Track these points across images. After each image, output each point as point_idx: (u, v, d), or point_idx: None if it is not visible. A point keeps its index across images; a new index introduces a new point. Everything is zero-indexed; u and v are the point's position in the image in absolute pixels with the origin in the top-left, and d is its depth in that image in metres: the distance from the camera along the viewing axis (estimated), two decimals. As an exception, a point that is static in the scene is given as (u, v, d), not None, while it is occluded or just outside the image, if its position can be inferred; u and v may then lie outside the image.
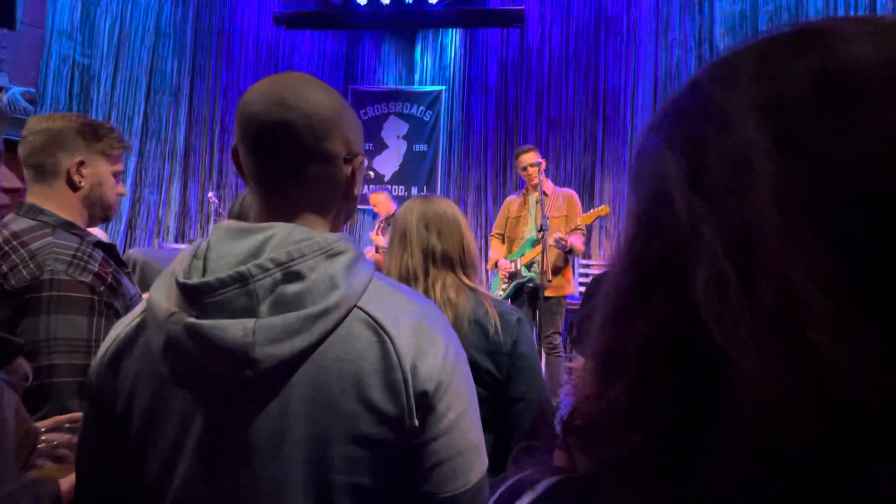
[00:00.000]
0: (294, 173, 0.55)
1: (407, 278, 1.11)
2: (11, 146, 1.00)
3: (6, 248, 0.92)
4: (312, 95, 0.54)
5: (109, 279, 0.97)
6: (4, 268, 0.90)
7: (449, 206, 1.19)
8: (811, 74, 0.22)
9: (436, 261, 1.12)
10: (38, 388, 0.88)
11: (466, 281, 1.14)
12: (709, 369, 0.22)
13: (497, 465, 1.17)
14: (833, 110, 0.21)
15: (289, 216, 0.56)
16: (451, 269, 1.13)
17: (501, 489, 0.30)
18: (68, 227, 1.00)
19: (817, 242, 0.20)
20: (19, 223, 0.96)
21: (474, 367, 1.05)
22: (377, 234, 3.92)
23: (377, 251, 3.76)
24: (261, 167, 0.56)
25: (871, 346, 0.19)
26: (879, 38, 0.22)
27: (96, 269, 0.95)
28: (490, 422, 1.08)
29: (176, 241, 5.07)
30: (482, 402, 1.06)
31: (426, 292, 1.09)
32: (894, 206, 0.19)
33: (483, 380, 1.06)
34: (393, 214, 3.74)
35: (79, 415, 0.73)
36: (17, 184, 0.71)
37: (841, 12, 2.82)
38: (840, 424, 0.18)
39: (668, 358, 0.23)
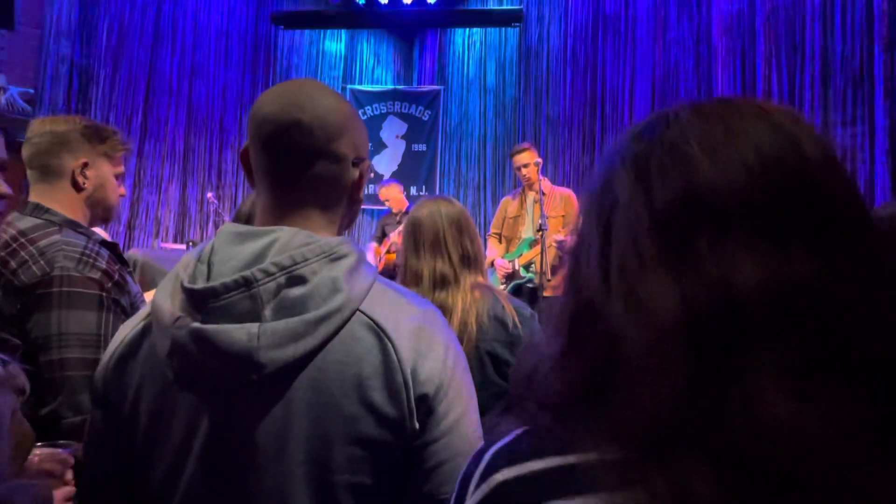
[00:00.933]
0: (304, 171, 0.56)
1: (442, 283, 1.11)
2: (7, 146, 1.00)
3: (14, 245, 0.94)
4: (325, 100, 0.57)
5: (116, 276, 0.98)
6: (13, 264, 0.92)
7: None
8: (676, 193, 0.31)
9: (469, 263, 1.14)
10: (50, 382, 0.89)
11: (482, 279, 1.17)
12: (606, 340, 0.30)
13: None
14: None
15: (295, 215, 0.57)
16: (477, 269, 1.16)
17: (477, 449, 0.36)
18: (74, 225, 1.01)
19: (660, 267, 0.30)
20: (25, 222, 0.98)
21: (497, 360, 1.09)
22: (399, 235, 3.57)
23: (389, 251, 3.38)
24: (272, 165, 0.57)
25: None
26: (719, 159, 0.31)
27: (104, 267, 0.97)
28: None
29: (175, 241, 5.07)
30: (499, 396, 1.09)
31: (462, 294, 1.10)
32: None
33: (505, 373, 1.09)
34: (406, 211, 3.43)
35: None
36: (5, 189, 0.72)
37: (837, 12, 2.83)
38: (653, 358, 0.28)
39: (583, 325, 0.32)
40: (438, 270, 1.11)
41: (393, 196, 3.72)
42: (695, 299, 0.27)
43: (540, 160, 2.89)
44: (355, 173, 0.59)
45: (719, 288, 0.27)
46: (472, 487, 0.33)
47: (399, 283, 1.13)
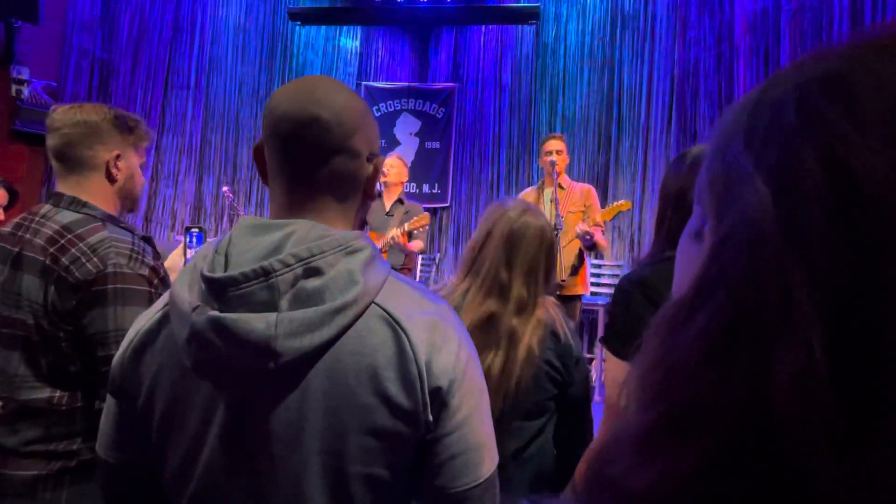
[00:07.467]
0: (322, 167, 0.57)
1: (523, 309, 1.06)
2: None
3: (61, 241, 0.95)
4: (341, 96, 0.57)
5: (161, 272, 1.01)
6: (65, 261, 0.93)
7: (529, 219, 1.09)
8: None
9: (526, 307, 1.07)
10: (106, 376, 0.90)
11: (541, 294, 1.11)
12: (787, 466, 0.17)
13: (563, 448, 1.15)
14: None
15: (311, 210, 0.57)
16: (538, 289, 1.09)
17: None
18: (114, 220, 1.03)
19: None
20: (65, 216, 0.98)
21: (551, 366, 1.08)
22: (404, 234, 2.70)
23: (383, 249, 2.70)
24: (290, 162, 0.57)
25: None
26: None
27: (151, 263, 1.00)
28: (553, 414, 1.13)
29: (190, 234, 5.12)
30: (550, 399, 1.10)
31: (534, 322, 1.07)
32: None
33: (554, 379, 1.10)
34: (401, 200, 2.93)
35: None
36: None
37: (868, 9, 2.75)
38: None
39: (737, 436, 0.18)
40: (524, 295, 1.06)
41: (394, 165, 2.94)
42: None
43: (566, 158, 2.84)
44: (369, 168, 0.60)
45: None
46: None
47: (466, 285, 1.10)
